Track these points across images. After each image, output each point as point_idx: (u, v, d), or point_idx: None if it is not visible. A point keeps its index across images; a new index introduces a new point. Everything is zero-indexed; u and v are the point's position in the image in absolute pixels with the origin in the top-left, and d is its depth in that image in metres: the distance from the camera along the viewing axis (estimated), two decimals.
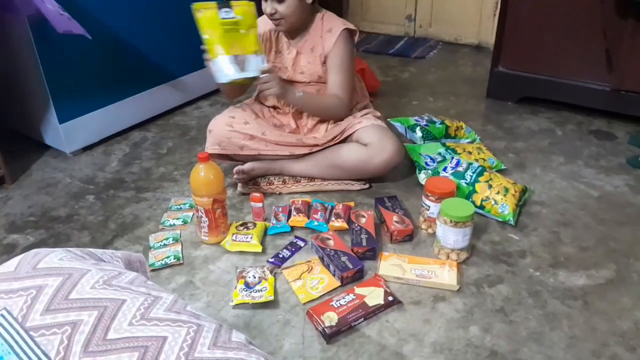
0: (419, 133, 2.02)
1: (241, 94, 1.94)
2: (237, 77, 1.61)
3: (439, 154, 1.87)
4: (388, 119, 2.08)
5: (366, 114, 1.86)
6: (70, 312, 0.70)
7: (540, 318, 1.31)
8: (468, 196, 1.66)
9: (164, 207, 1.79)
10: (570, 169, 1.94)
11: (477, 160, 1.83)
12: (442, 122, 2.07)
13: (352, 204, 1.72)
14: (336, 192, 1.82)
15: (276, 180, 1.87)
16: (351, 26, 1.77)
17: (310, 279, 1.42)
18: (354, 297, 1.33)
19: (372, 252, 1.50)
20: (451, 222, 1.42)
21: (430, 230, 1.60)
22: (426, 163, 1.83)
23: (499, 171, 1.86)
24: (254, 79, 1.65)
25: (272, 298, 1.34)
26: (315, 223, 1.61)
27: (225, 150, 1.81)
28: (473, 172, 1.71)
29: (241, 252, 1.54)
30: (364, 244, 1.50)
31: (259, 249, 1.54)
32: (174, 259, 1.51)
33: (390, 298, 1.33)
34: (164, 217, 1.72)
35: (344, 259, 1.44)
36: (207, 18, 1.58)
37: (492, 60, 2.47)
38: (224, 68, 1.60)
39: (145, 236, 1.64)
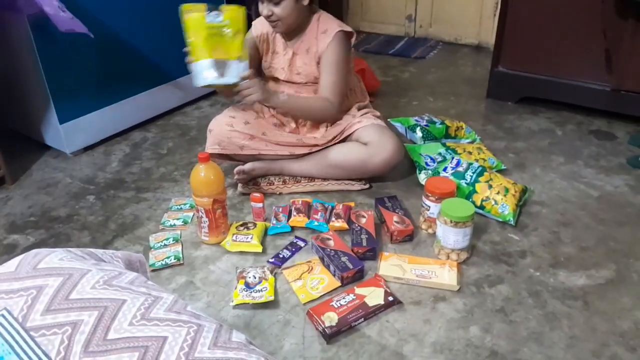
0: (419, 133, 2.02)
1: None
2: (215, 82, 1.60)
3: (439, 154, 1.87)
4: (388, 119, 2.08)
5: (365, 113, 1.86)
6: (71, 312, 0.70)
7: (540, 318, 1.31)
8: (468, 196, 1.66)
9: (164, 207, 1.79)
10: (570, 169, 1.94)
11: (477, 161, 1.83)
12: (442, 122, 2.07)
13: (352, 204, 1.72)
14: (336, 192, 1.82)
15: (276, 180, 1.87)
16: (347, 28, 1.76)
17: (310, 279, 1.42)
18: (354, 297, 1.33)
19: (372, 252, 1.50)
20: (451, 222, 1.42)
21: (430, 231, 1.60)
22: (426, 163, 1.83)
23: (499, 171, 1.86)
24: (235, 85, 1.63)
25: (272, 298, 1.34)
26: (316, 223, 1.61)
27: (226, 150, 1.81)
28: (473, 172, 1.71)
29: (241, 253, 1.54)
30: (364, 244, 1.50)
31: (259, 249, 1.54)
32: (174, 259, 1.51)
33: (391, 298, 1.33)
34: (164, 218, 1.72)
35: (344, 259, 1.44)
36: (193, 20, 1.57)
37: (492, 61, 2.47)
38: (203, 72, 1.59)
39: (146, 236, 1.64)
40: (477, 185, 1.67)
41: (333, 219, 1.63)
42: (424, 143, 1.99)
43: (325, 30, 1.75)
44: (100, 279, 0.77)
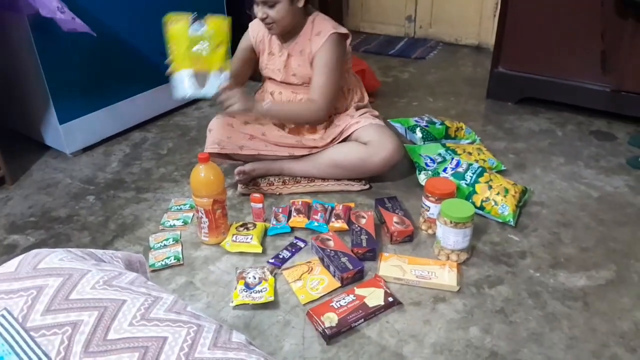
0: (419, 134, 2.02)
1: None
2: (193, 95, 1.59)
3: (439, 154, 1.87)
4: (388, 120, 2.08)
5: (363, 113, 1.86)
6: (71, 313, 0.70)
7: (540, 319, 1.31)
8: (468, 197, 1.66)
9: (164, 207, 1.79)
10: (571, 169, 1.95)
11: (477, 161, 1.83)
12: (442, 123, 2.07)
13: (352, 204, 1.72)
14: (336, 193, 1.82)
15: (276, 180, 1.87)
16: (342, 30, 1.75)
17: (310, 280, 1.42)
18: (354, 297, 1.33)
19: (372, 253, 1.50)
20: (451, 223, 1.42)
21: (430, 231, 1.60)
22: (426, 164, 1.83)
23: (499, 172, 1.86)
24: (215, 95, 1.62)
25: (272, 299, 1.34)
26: (315, 224, 1.61)
27: (225, 150, 1.81)
28: (473, 173, 1.71)
29: (241, 253, 1.54)
30: (364, 244, 1.50)
31: (259, 249, 1.54)
32: (174, 259, 1.51)
33: (391, 299, 1.33)
34: (164, 218, 1.72)
35: (344, 259, 1.44)
36: (175, 30, 1.54)
37: (492, 61, 2.47)
38: (182, 83, 1.58)
39: (146, 237, 1.64)
40: (477, 186, 1.67)
41: (333, 219, 1.63)
42: (424, 144, 1.99)
43: (319, 32, 1.75)
44: (100, 279, 0.77)
